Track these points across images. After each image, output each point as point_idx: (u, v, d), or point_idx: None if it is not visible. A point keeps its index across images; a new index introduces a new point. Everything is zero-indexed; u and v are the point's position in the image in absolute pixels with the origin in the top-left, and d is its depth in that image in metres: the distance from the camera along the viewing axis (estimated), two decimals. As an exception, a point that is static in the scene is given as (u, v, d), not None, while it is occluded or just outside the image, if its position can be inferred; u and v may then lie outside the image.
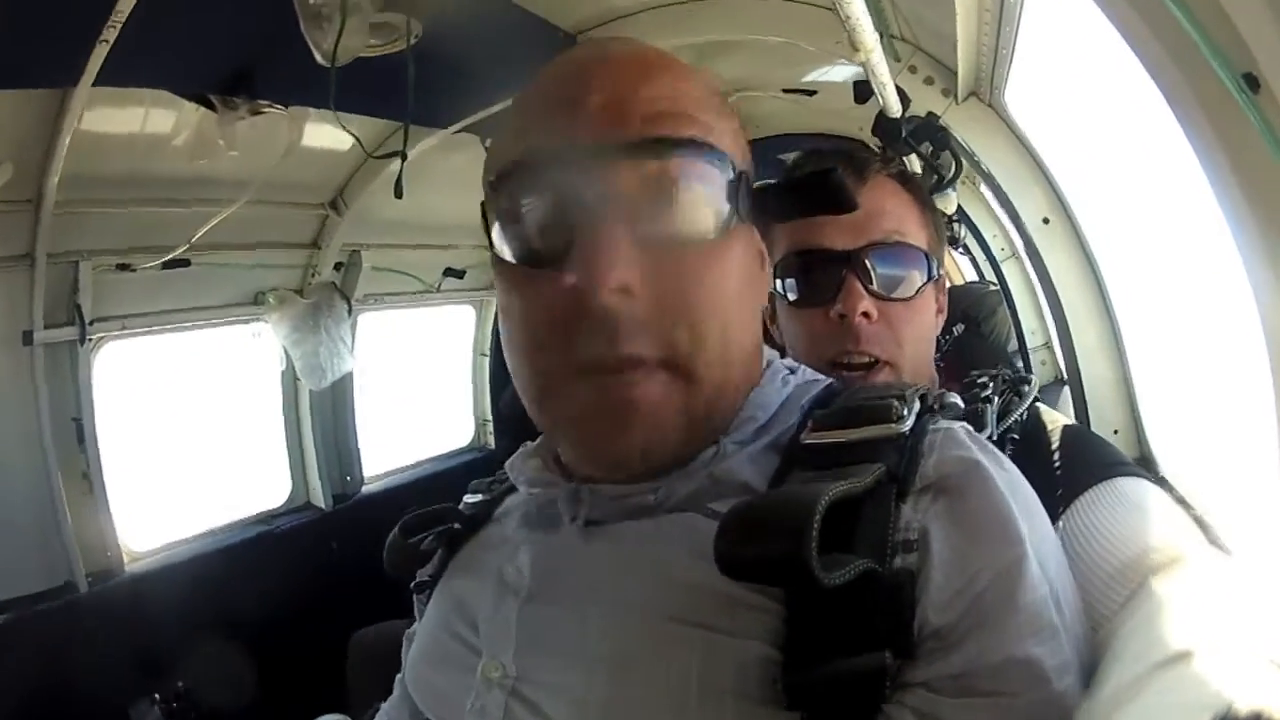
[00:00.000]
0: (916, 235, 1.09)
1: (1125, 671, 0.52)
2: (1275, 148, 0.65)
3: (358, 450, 3.59)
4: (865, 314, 1.03)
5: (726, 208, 0.62)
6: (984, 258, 3.36)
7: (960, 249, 3.50)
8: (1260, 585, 0.60)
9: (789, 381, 0.73)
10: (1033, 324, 2.91)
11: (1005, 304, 3.00)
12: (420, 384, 4.23)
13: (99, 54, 1.62)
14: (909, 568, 0.54)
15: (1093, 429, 1.85)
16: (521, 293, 0.63)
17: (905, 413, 0.62)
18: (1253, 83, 0.64)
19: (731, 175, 0.62)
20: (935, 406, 0.68)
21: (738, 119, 0.69)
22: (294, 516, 3.34)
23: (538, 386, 0.65)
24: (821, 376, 0.77)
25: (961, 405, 0.71)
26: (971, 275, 3.93)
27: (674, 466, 0.64)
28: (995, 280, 3.21)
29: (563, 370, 0.62)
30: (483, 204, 0.67)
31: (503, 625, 0.66)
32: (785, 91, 2.94)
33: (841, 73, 2.66)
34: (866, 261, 1.04)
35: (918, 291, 1.08)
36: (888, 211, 1.07)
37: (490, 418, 4.37)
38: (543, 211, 0.61)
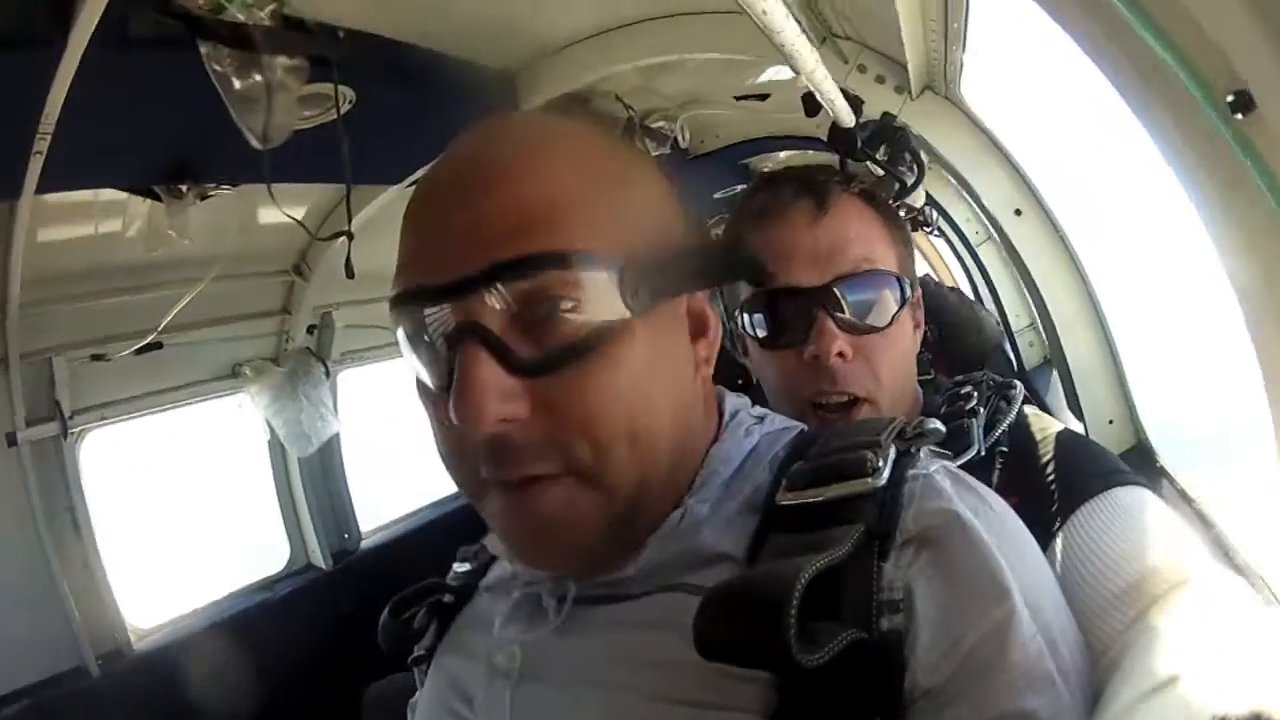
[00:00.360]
0: (886, 258, 1.04)
1: (1127, 702, 0.51)
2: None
3: (352, 506, 3.56)
4: (840, 353, 0.99)
5: (612, 306, 0.58)
6: (959, 240, 3.32)
7: (935, 232, 3.46)
8: (1267, 607, 0.56)
9: (753, 433, 0.70)
10: (1016, 307, 2.88)
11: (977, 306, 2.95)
12: (409, 432, 4.18)
13: (35, 165, 1.61)
14: (896, 629, 0.53)
15: (1085, 416, 1.82)
16: (430, 412, 0.62)
17: (880, 464, 0.59)
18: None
19: (613, 272, 0.58)
20: (914, 435, 0.65)
21: (651, 184, 0.66)
22: (296, 579, 3.32)
23: (472, 495, 0.64)
24: (792, 423, 0.75)
25: (943, 430, 0.67)
26: (949, 257, 3.90)
27: (640, 539, 0.63)
28: (974, 264, 3.17)
29: (478, 485, 0.61)
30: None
31: (497, 705, 0.65)
32: (737, 99, 2.90)
33: (787, 72, 2.61)
34: (837, 294, 1.00)
35: (893, 319, 1.03)
36: (853, 238, 1.02)
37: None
38: (422, 346, 0.59)
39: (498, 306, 0.56)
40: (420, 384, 0.62)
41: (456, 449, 0.61)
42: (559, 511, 0.58)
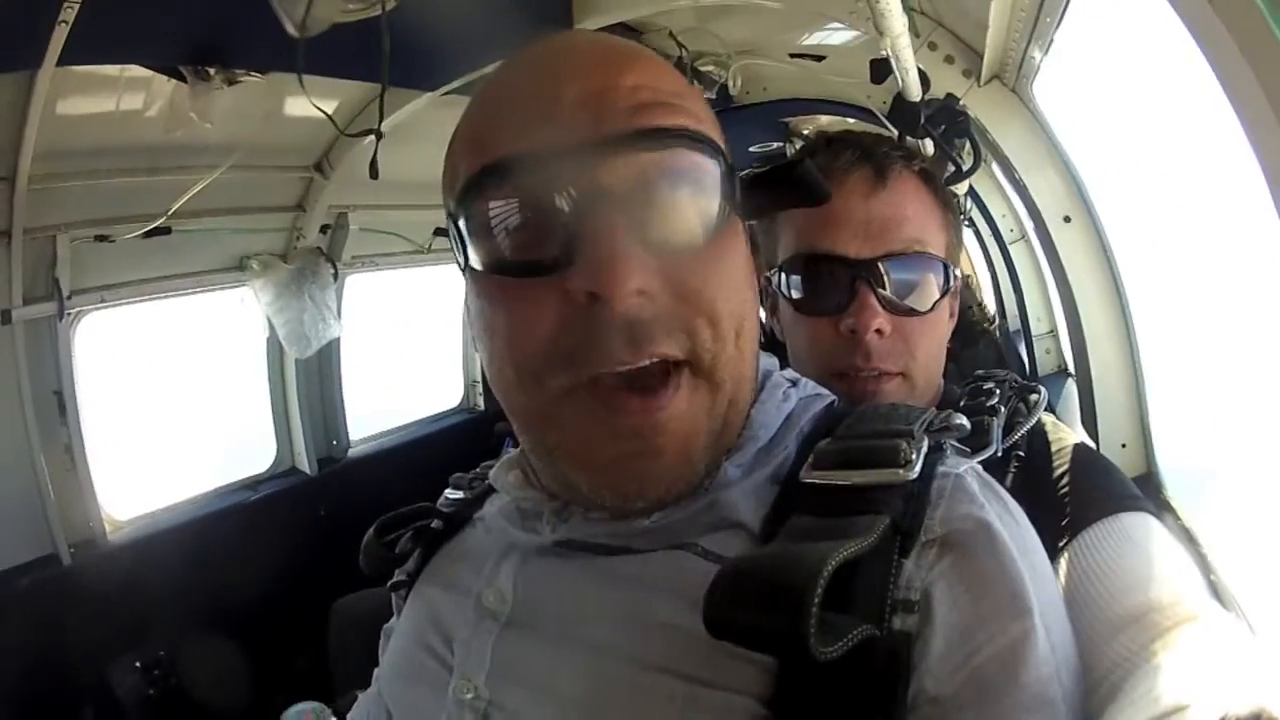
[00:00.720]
0: (936, 242, 1.01)
1: None
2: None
3: (344, 414, 3.55)
4: (878, 330, 0.96)
5: (723, 201, 0.58)
6: (991, 237, 3.25)
7: (967, 223, 3.40)
8: (1267, 650, 0.55)
9: (789, 396, 0.68)
10: (1039, 311, 2.84)
11: (982, 340, 2.88)
12: (409, 345, 4.16)
13: (59, 35, 1.55)
14: (908, 630, 0.51)
15: (1099, 435, 1.80)
16: (513, 307, 0.57)
17: (913, 456, 0.57)
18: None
19: (724, 166, 0.58)
20: (940, 428, 0.63)
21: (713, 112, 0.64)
22: (279, 482, 3.32)
23: (539, 413, 0.60)
24: (823, 391, 0.73)
25: (967, 426, 0.65)
26: (975, 252, 3.84)
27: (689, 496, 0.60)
28: (1003, 261, 3.12)
29: (575, 391, 0.56)
30: (448, 215, 0.61)
31: (479, 648, 0.63)
32: (792, 56, 2.79)
33: (848, 36, 2.52)
34: (882, 271, 0.97)
35: (934, 306, 1.00)
36: (909, 218, 0.99)
37: (480, 378, 4.30)
38: (530, 217, 0.55)
39: (632, 173, 0.54)
40: (488, 284, 0.58)
41: (551, 339, 0.55)
42: (679, 420, 0.56)
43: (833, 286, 0.98)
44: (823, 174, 0.97)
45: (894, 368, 0.98)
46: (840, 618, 0.48)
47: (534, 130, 0.55)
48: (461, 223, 0.59)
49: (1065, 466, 0.91)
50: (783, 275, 1.02)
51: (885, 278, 0.97)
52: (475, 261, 0.58)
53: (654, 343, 0.54)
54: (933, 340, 1.02)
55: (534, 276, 0.55)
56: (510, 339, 0.57)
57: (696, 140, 0.56)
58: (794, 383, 0.71)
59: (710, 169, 0.57)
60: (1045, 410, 1.01)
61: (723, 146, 0.59)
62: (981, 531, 0.54)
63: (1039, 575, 0.54)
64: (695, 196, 0.56)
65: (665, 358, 0.55)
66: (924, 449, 0.59)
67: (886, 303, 0.97)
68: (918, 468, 0.57)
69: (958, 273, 1.05)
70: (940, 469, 0.58)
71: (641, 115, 0.55)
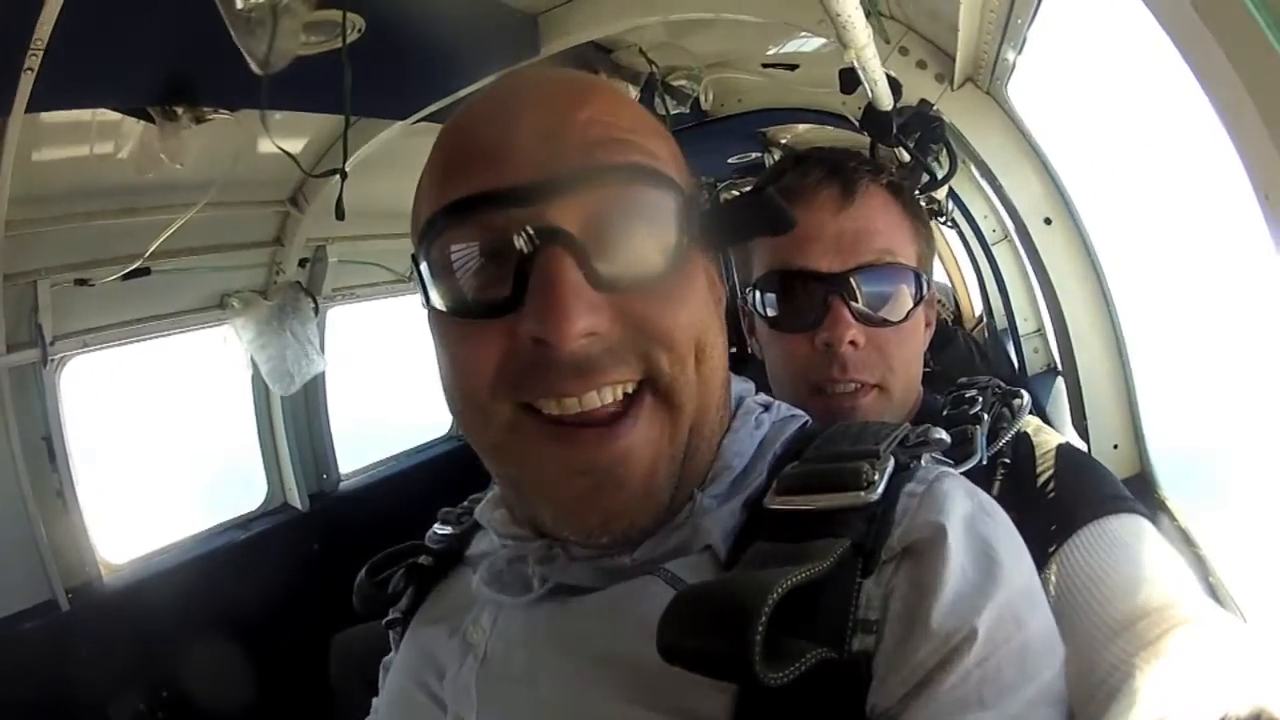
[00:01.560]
0: (907, 253, 1.04)
1: None
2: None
3: (333, 448, 3.53)
4: (852, 342, 0.98)
5: (679, 233, 0.58)
6: (974, 236, 3.25)
7: (949, 224, 3.40)
8: (1264, 653, 0.55)
9: (762, 422, 0.69)
10: (1025, 311, 2.83)
11: (959, 337, 2.88)
12: (395, 374, 4.14)
13: (25, 83, 1.54)
14: (867, 649, 0.51)
15: (1090, 436, 1.79)
16: (464, 344, 0.58)
17: (875, 478, 0.58)
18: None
19: (680, 199, 0.59)
20: (917, 443, 0.64)
21: (675, 144, 0.65)
22: (271, 519, 3.30)
23: (493, 445, 0.61)
24: (797, 412, 0.74)
25: (947, 440, 0.67)
26: (960, 252, 3.83)
27: (656, 527, 0.61)
28: (987, 262, 3.11)
29: (521, 421, 0.58)
30: (412, 256, 0.62)
31: (464, 685, 0.64)
32: (764, 66, 2.79)
33: (819, 43, 2.51)
34: (854, 284, 1.00)
35: (908, 315, 1.03)
36: (878, 230, 1.02)
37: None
38: (483, 259, 0.56)
39: (581, 212, 0.54)
40: (447, 324, 0.59)
41: (505, 377, 0.56)
42: (636, 445, 0.57)
43: (806, 302, 1.00)
44: (792, 193, 1.02)
45: (870, 378, 1.00)
46: (795, 642, 0.48)
47: (486, 173, 0.55)
48: (422, 264, 0.60)
49: (1050, 469, 0.92)
50: (757, 294, 1.04)
51: (857, 290, 0.99)
52: (435, 301, 0.59)
53: (603, 373, 0.55)
54: (909, 350, 1.04)
55: (486, 319, 0.55)
56: (460, 373, 0.59)
57: (647, 175, 0.57)
58: (766, 407, 0.71)
59: (663, 203, 0.57)
60: (1033, 412, 1.02)
61: (678, 179, 0.59)
62: (938, 535, 0.54)
63: (995, 578, 0.53)
64: (648, 231, 0.57)
65: (616, 383, 0.56)
66: (889, 469, 0.59)
67: (860, 315, 0.99)
68: (880, 489, 0.57)
69: (929, 283, 1.07)
70: (906, 488, 0.58)
71: (591, 153, 0.55)
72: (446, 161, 0.60)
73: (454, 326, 0.59)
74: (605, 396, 0.56)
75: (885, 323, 1.00)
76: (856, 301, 0.99)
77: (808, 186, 1.02)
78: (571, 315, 0.52)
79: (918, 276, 1.03)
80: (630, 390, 0.57)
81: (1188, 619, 0.61)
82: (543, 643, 0.62)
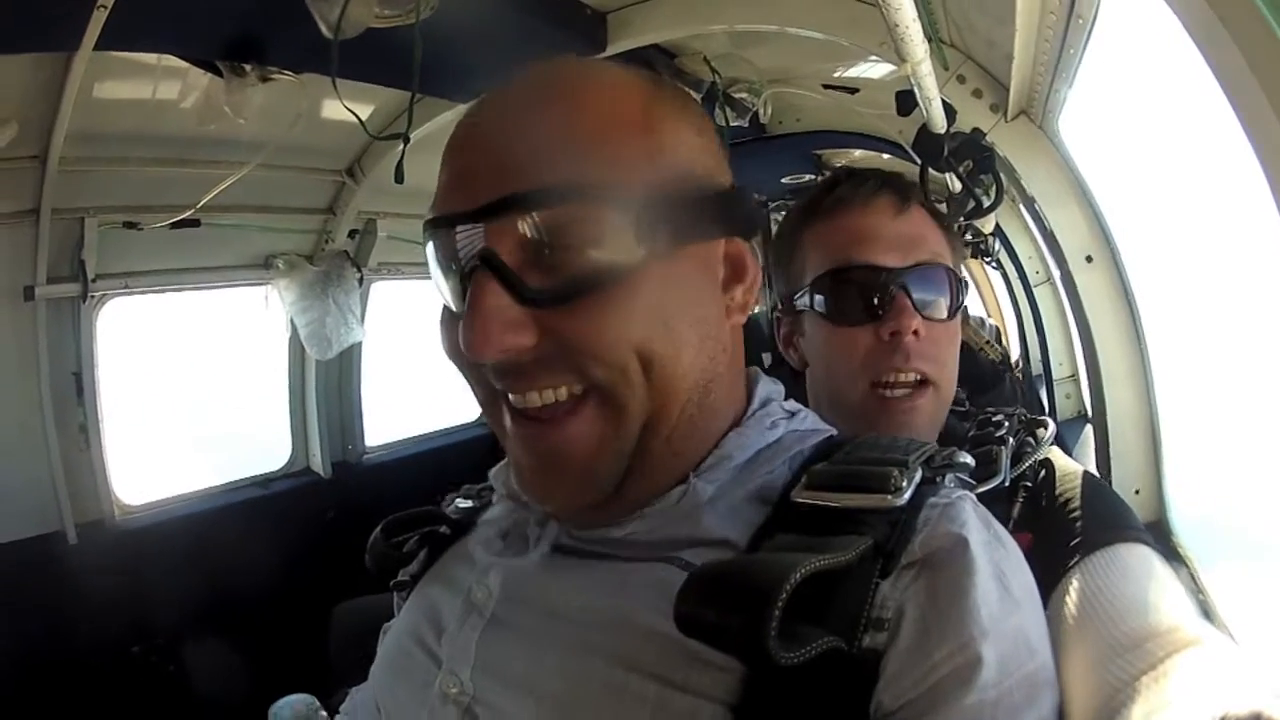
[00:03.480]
0: (952, 262, 1.09)
1: None
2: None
3: (361, 419, 3.57)
4: (915, 332, 1.02)
5: (626, 243, 0.58)
6: (1017, 277, 3.22)
7: (994, 264, 3.37)
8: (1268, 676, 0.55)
9: (779, 426, 0.70)
10: (1061, 355, 2.80)
11: (1008, 380, 2.83)
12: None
13: (97, 19, 1.58)
14: (876, 647, 0.52)
15: (1113, 479, 1.76)
16: (449, 340, 0.63)
17: (904, 484, 0.59)
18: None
19: (628, 211, 0.58)
20: (943, 464, 0.65)
21: (684, 129, 0.65)
22: (292, 480, 3.34)
23: (491, 418, 0.66)
24: (824, 425, 0.74)
25: (972, 463, 0.68)
26: (1002, 292, 3.79)
27: (637, 504, 0.64)
28: (1029, 304, 3.07)
29: (496, 406, 0.63)
30: None
31: (464, 643, 0.65)
32: (825, 87, 2.80)
33: (883, 70, 2.52)
34: (914, 281, 1.03)
35: (952, 314, 1.07)
36: (928, 237, 1.07)
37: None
38: (446, 271, 0.61)
39: (513, 236, 0.57)
40: (445, 307, 0.64)
41: (472, 371, 0.63)
42: (577, 442, 0.60)
43: (870, 295, 1.04)
44: (849, 200, 1.08)
45: (929, 370, 1.03)
46: (808, 628, 0.49)
47: (451, 195, 0.60)
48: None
49: (1075, 491, 0.94)
50: (811, 295, 1.07)
51: (916, 288, 1.03)
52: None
53: (535, 379, 0.59)
54: (953, 349, 1.08)
55: (454, 322, 0.60)
56: (453, 356, 0.64)
57: (581, 196, 0.57)
58: (792, 414, 0.72)
59: (604, 220, 0.58)
60: (1057, 446, 1.05)
61: (635, 186, 0.59)
62: (958, 547, 0.55)
63: (1012, 602, 0.55)
64: (583, 249, 0.58)
65: (551, 387, 0.59)
66: (916, 478, 0.60)
67: (921, 306, 1.03)
68: (907, 495, 0.58)
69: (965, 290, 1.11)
70: (931, 499, 0.59)
71: (530, 175, 0.57)
72: (439, 177, 0.64)
73: (444, 319, 0.64)
74: (547, 397, 0.60)
75: (938, 319, 1.04)
76: (917, 295, 1.03)
77: (865, 194, 1.07)
78: (485, 335, 0.56)
79: (956, 284, 1.08)
80: (578, 391, 0.60)
81: (1194, 640, 0.61)
82: (547, 607, 0.64)
